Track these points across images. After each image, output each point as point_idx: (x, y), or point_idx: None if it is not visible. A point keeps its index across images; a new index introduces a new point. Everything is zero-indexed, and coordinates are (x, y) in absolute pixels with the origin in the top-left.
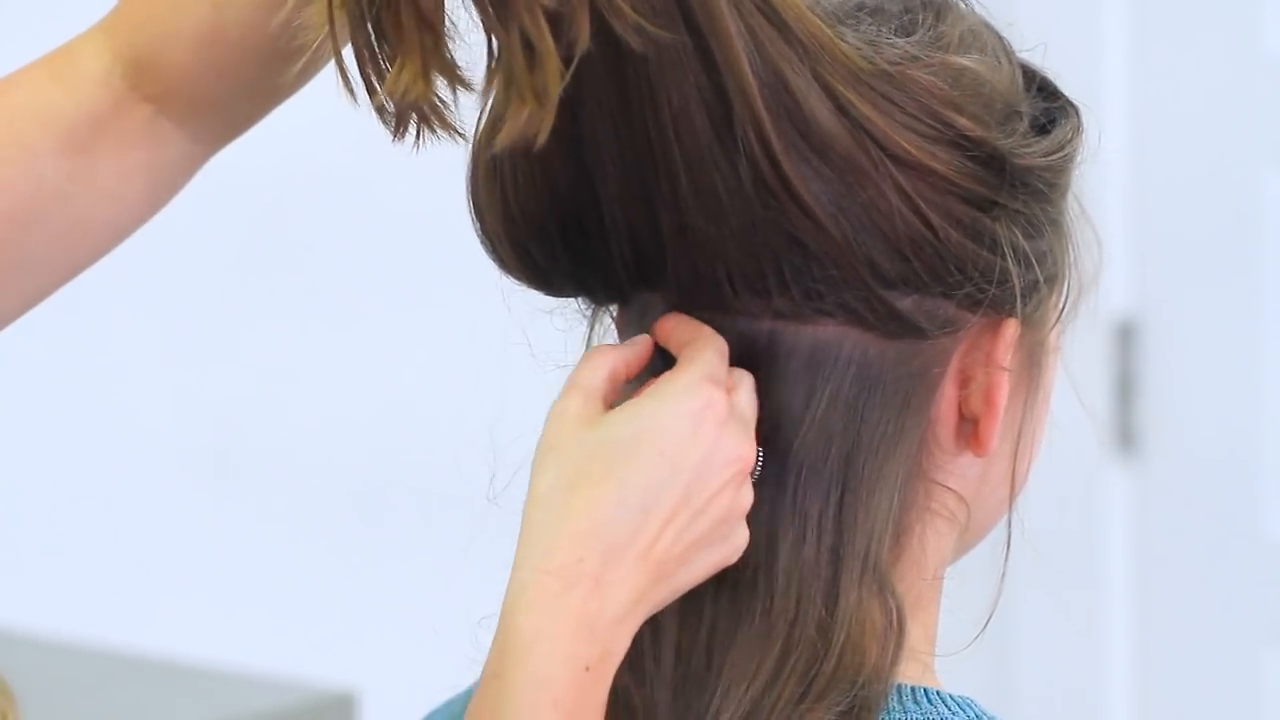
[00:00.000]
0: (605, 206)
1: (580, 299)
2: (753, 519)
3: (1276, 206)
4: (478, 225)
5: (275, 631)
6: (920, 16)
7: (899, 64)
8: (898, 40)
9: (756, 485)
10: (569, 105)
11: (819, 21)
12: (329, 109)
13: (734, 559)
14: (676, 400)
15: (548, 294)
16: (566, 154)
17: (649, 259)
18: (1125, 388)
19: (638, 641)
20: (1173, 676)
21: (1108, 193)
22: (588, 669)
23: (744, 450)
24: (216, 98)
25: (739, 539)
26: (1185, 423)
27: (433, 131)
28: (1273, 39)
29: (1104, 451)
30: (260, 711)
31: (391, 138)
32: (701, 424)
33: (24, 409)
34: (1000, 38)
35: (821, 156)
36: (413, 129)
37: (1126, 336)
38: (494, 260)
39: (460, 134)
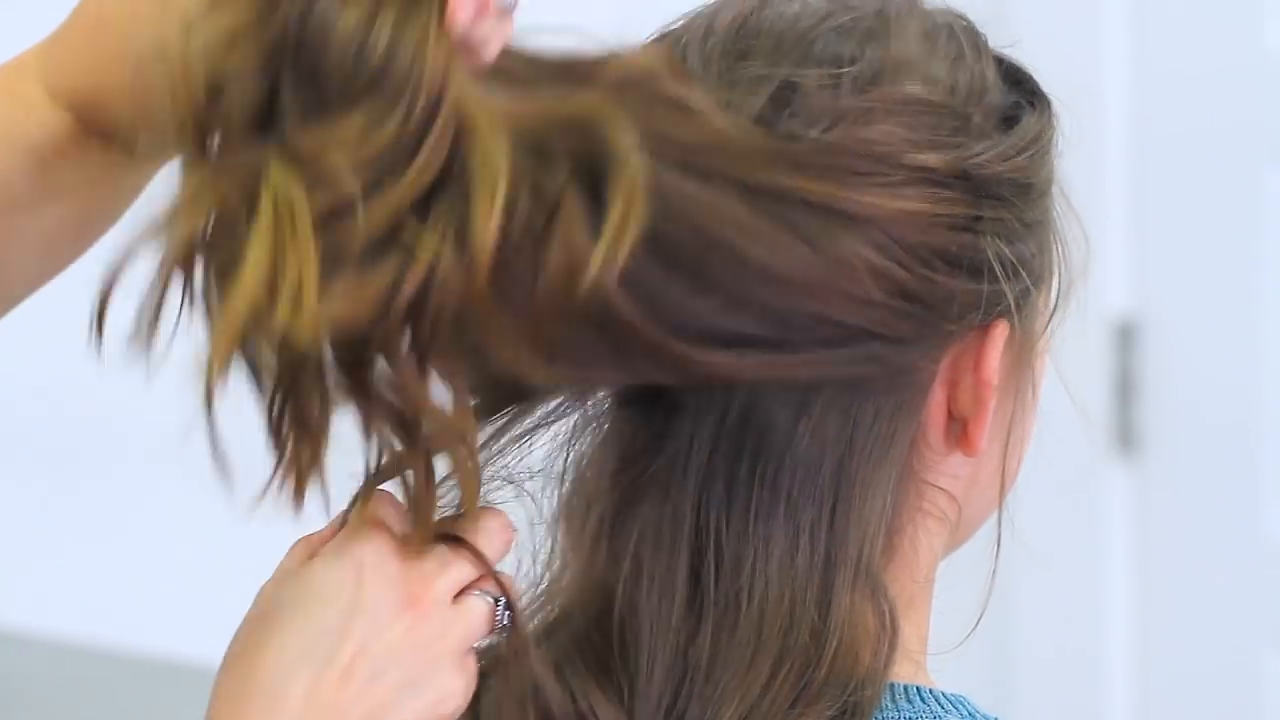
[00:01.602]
0: None
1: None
2: (747, 530)
3: (1276, 206)
4: None
5: None
6: (857, 48)
7: (830, 129)
8: (825, 101)
9: (750, 495)
10: None
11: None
12: None
13: (454, 704)
14: (338, 555)
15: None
16: None
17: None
18: (1125, 388)
19: (630, 659)
20: (1173, 678)
21: (1108, 193)
22: None
23: (410, 591)
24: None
25: (449, 683)
26: (1185, 423)
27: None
28: (1273, 39)
29: (1104, 451)
30: None
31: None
32: (363, 571)
33: (21, 408)
34: (967, 35)
35: (779, 250)
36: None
37: (1126, 336)
38: None
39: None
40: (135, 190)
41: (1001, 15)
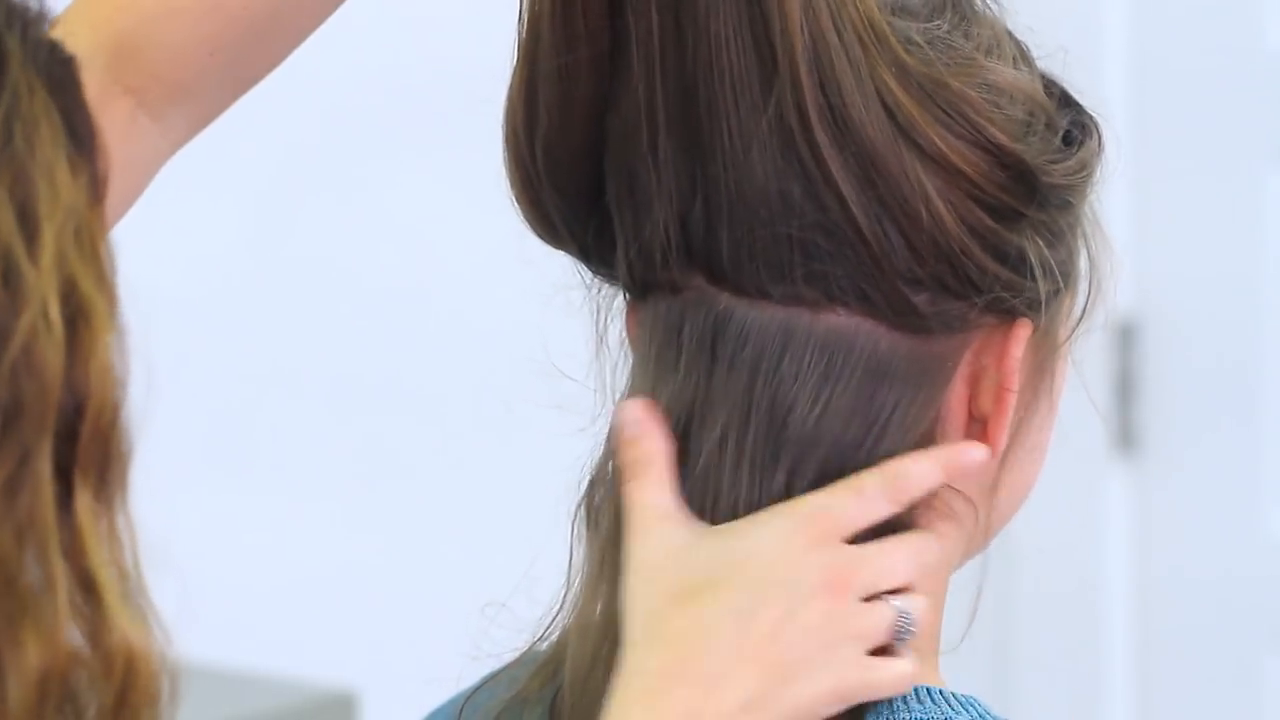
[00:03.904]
0: (639, 159)
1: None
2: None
3: (1277, 206)
4: (507, 155)
5: (275, 631)
6: (950, 22)
7: (935, 67)
8: (938, 44)
9: (773, 481)
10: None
11: (875, 8)
12: (325, 100)
13: (843, 694)
14: (780, 520)
15: (554, 242)
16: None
17: (671, 222)
18: (1125, 388)
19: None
20: (1173, 679)
21: (1108, 192)
22: None
23: (830, 576)
24: (199, 80)
25: (842, 670)
26: (1185, 423)
27: None
28: (1273, 38)
29: (1104, 451)
30: (260, 711)
31: None
32: (790, 545)
33: None
34: (1022, 46)
35: (852, 138)
36: None
37: (1126, 336)
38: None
39: None
40: (143, 174)
41: (1001, 11)
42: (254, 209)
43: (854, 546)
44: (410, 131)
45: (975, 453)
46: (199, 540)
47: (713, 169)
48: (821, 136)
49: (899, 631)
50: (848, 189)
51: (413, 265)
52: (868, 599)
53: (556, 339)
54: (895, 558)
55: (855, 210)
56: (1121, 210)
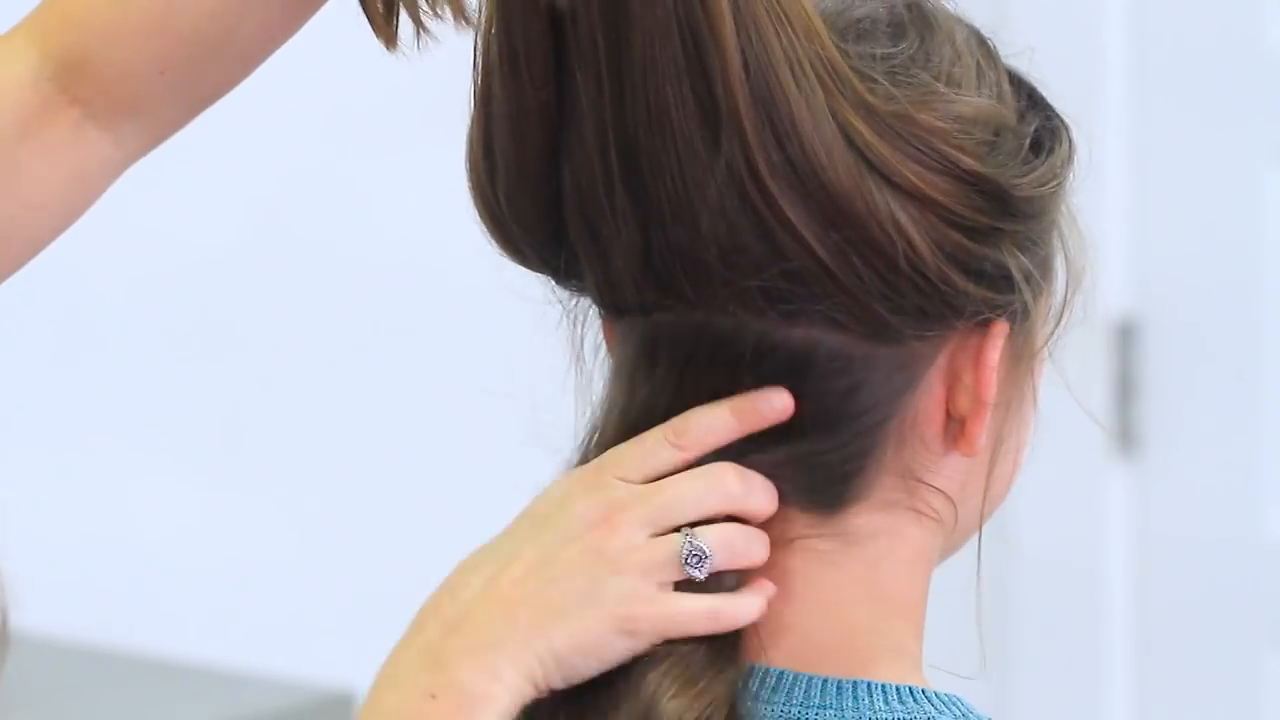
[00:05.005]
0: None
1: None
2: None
3: (1277, 206)
4: (472, 193)
5: (275, 631)
6: (911, 46)
7: (901, 104)
8: (898, 78)
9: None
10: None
11: (834, 49)
12: (324, 111)
13: (656, 624)
14: (564, 477)
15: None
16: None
17: (633, 255)
18: (1125, 388)
19: None
20: (1173, 678)
21: (1108, 193)
22: (433, 696)
23: (606, 512)
24: (150, 96)
25: (626, 603)
26: (1185, 423)
27: (422, 27)
28: (1273, 37)
29: (1104, 451)
30: (260, 711)
31: (385, 46)
32: (573, 488)
33: (19, 407)
34: (987, 45)
35: (816, 185)
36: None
37: (1126, 336)
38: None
39: (466, 20)
40: (92, 185)
41: (1001, 11)
42: (252, 210)
43: (632, 484)
44: (408, 132)
45: (776, 401)
46: (199, 541)
47: (660, 226)
48: (775, 187)
49: (690, 561)
50: (811, 235)
51: (410, 267)
52: (661, 534)
53: (547, 345)
54: (682, 489)
55: (824, 254)
56: (1121, 210)
